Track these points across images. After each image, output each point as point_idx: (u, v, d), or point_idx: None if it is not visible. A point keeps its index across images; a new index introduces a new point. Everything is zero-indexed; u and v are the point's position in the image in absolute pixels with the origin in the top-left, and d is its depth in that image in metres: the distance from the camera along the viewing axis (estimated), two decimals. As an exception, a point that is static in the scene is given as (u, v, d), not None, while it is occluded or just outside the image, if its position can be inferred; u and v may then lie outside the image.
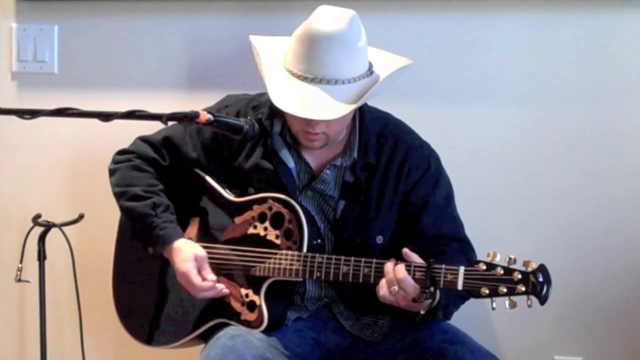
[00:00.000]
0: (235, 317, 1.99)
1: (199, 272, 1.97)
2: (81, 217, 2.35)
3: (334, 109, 1.86)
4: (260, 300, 1.96)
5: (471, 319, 2.05)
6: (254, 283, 1.97)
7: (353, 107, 1.87)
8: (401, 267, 1.81)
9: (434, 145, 2.11)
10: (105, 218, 2.30)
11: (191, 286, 1.97)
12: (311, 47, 1.87)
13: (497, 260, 1.75)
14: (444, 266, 1.79)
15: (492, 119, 2.40)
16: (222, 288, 1.98)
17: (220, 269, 2.01)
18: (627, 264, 2.37)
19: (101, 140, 2.35)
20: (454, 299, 1.92)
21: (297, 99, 1.87)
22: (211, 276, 1.98)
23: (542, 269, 1.73)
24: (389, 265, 1.83)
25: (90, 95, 2.57)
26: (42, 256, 2.32)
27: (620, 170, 2.36)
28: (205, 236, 2.09)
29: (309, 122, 1.90)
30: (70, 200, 2.60)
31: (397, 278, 1.80)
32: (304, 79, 1.88)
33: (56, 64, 2.60)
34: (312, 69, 1.87)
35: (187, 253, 1.99)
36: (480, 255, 1.76)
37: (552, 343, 2.42)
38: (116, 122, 1.68)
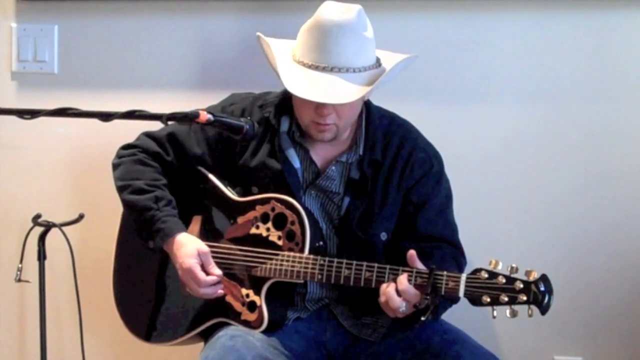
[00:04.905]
0: (236, 317, 1.98)
1: (204, 267, 1.97)
2: (81, 217, 2.35)
3: (346, 94, 1.88)
4: (260, 300, 1.96)
5: (471, 319, 2.05)
6: (255, 283, 1.97)
7: (367, 89, 1.89)
8: (403, 278, 1.81)
9: (434, 144, 2.11)
10: (105, 218, 2.30)
11: (196, 281, 1.95)
12: (322, 36, 1.89)
13: (499, 268, 1.75)
14: (445, 273, 1.79)
15: (493, 119, 2.40)
16: (220, 287, 1.98)
17: (222, 268, 2.00)
18: (627, 264, 2.37)
19: (101, 140, 2.35)
20: (444, 301, 1.91)
21: (311, 86, 1.88)
22: (217, 270, 1.97)
23: (543, 278, 1.73)
24: (390, 291, 1.81)
25: (90, 95, 2.57)
26: (42, 256, 2.32)
27: (621, 170, 2.36)
28: (207, 235, 2.08)
29: (320, 113, 1.92)
30: (70, 200, 2.60)
31: (399, 289, 1.80)
32: (316, 67, 1.90)
33: (56, 64, 2.60)
34: (324, 57, 1.89)
35: (190, 248, 1.98)
36: (482, 260, 1.76)
37: (552, 343, 2.42)
38: (116, 122, 1.68)
